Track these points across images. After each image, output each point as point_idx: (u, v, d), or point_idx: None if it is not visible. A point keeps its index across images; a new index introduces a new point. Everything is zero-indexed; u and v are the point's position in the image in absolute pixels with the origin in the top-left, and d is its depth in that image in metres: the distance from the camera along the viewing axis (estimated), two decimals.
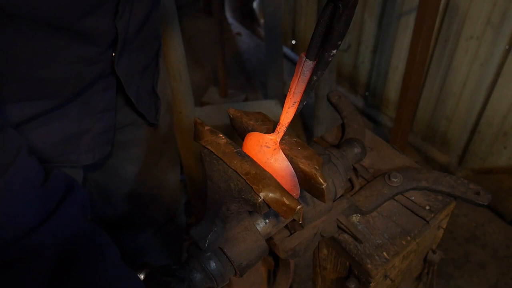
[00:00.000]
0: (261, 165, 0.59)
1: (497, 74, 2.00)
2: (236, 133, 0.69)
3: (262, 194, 0.54)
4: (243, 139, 0.67)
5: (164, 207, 1.34)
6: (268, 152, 0.61)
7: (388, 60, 2.51)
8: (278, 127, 0.61)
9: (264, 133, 0.63)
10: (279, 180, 0.58)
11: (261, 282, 1.00)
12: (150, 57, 1.02)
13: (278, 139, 0.61)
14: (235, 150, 0.59)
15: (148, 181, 1.22)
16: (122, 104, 1.00)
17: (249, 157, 0.59)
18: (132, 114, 1.05)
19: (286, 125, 0.60)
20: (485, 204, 0.78)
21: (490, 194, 0.79)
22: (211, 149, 0.60)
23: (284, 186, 0.57)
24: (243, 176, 0.56)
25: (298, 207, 0.53)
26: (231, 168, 0.57)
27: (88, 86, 0.84)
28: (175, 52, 1.61)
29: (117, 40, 0.81)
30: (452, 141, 2.36)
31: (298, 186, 0.61)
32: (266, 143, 0.62)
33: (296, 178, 0.61)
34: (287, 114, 0.59)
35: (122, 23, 0.79)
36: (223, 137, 0.62)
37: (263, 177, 0.56)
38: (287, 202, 0.54)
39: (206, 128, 0.63)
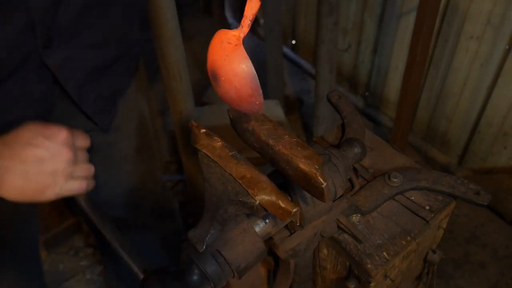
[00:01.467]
0: (219, 65, 0.55)
1: (497, 74, 2.00)
2: (237, 133, 0.69)
3: (258, 198, 0.54)
4: (243, 140, 0.67)
5: (145, 212, 1.33)
6: (229, 48, 0.55)
7: (388, 60, 2.51)
8: (242, 21, 0.55)
9: (265, 133, 0.63)
10: (237, 82, 0.54)
11: (260, 283, 1.00)
12: (108, 61, 0.99)
13: (242, 35, 0.55)
14: (230, 153, 0.59)
15: (122, 189, 1.21)
16: (75, 111, 0.98)
17: (245, 159, 0.59)
18: (88, 123, 1.02)
19: (251, 17, 0.54)
20: (485, 204, 0.78)
21: (490, 194, 0.79)
22: (207, 153, 0.60)
23: (243, 90, 0.54)
24: (238, 180, 0.56)
25: (294, 210, 0.53)
26: (227, 172, 0.58)
27: (13, 74, 0.82)
28: (175, 52, 1.61)
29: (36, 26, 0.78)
30: (452, 141, 2.36)
31: (260, 91, 0.56)
32: (229, 39, 0.55)
33: (257, 81, 0.56)
34: (251, 4, 0.54)
35: (36, 1, 0.76)
36: (218, 140, 0.62)
37: (259, 180, 0.56)
38: (283, 205, 0.54)
39: (202, 131, 0.63)
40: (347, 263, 0.80)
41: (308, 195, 0.68)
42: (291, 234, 0.75)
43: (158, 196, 1.36)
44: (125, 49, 1.02)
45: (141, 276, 0.68)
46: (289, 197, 0.70)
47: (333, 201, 0.76)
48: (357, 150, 0.80)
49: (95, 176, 1.15)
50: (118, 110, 1.10)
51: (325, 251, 0.85)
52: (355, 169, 0.87)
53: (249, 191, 0.55)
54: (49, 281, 2.06)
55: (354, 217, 0.80)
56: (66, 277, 2.08)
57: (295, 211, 0.53)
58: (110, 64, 1.00)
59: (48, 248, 2.16)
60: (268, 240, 0.75)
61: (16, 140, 0.72)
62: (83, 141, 0.84)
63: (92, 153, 1.09)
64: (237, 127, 0.68)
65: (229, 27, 3.65)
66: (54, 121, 0.96)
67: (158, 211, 1.37)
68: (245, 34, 0.55)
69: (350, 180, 0.84)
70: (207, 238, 0.62)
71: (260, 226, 0.70)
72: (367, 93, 2.81)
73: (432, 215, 0.80)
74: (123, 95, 1.11)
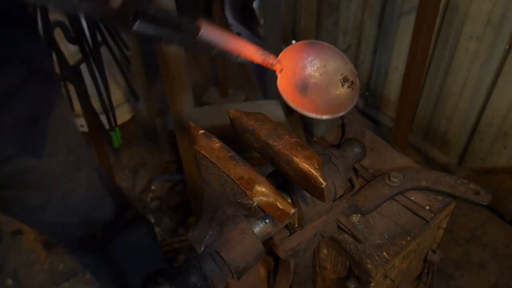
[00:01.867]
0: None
1: (497, 74, 2.00)
2: (236, 133, 0.69)
3: (256, 199, 0.54)
4: (243, 140, 0.67)
5: (99, 226, 1.29)
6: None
7: (388, 60, 2.51)
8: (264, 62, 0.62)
9: (265, 133, 0.63)
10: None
11: (260, 284, 1.00)
12: (16, 82, 0.91)
13: (272, 64, 0.62)
14: (228, 154, 0.59)
15: (66, 209, 1.19)
16: None
17: (243, 161, 0.59)
18: (12, 149, 0.96)
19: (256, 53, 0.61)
20: (485, 204, 0.78)
21: (490, 194, 0.79)
22: (205, 154, 0.60)
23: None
24: (236, 181, 0.56)
25: (292, 211, 0.53)
26: (225, 173, 0.57)
27: None
28: (175, 52, 1.61)
29: None
30: (452, 141, 2.36)
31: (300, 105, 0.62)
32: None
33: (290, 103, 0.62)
34: (245, 50, 0.59)
35: None
36: (217, 141, 0.62)
37: (257, 181, 0.56)
38: (281, 206, 0.54)
39: (200, 132, 0.63)
40: (347, 263, 0.80)
41: (308, 195, 0.68)
42: (291, 234, 0.75)
43: (111, 208, 1.32)
44: (32, 67, 0.95)
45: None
46: (287, 199, 0.70)
47: (333, 201, 0.76)
48: (357, 150, 0.80)
49: (33, 201, 1.10)
50: (48, 132, 1.04)
51: (325, 251, 0.85)
52: (355, 169, 0.87)
53: (247, 192, 0.55)
54: (49, 281, 2.06)
55: (354, 217, 0.80)
56: (66, 277, 2.08)
57: (293, 213, 0.53)
58: (20, 85, 0.92)
59: (48, 248, 2.17)
60: (268, 240, 0.75)
61: None
62: None
63: (25, 178, 1.04)
64: (237, 127, 0.68)
65: (229, 27, 3.65)
66: None
67: (116, 221, 1.34)
68: (274, 60, 0.62)
69: (350, 180, 0.84)
70: (205, 239, 0.62)
71: (260, 226, 0.70)
72: (367, 93, 2.81)
73: (432, 215, 0.80)
74: (47, 118, 1.03)
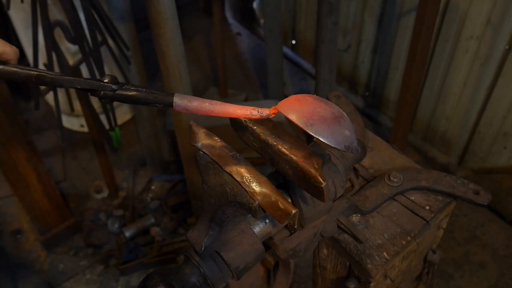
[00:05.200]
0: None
1: (497, 74, 2.00)
2: (236, 133, 0.69)
3: (257, 199, 0.54)
4: (243, 140, 0.67)
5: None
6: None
7: (388, 60, 2.51)
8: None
9: (264, 133, 0.63)
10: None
11: (260, 283, 1.00)
12: None
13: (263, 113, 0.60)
14: (230, 154, 0.59)
15: None
16: None
17: (244, 160, 0.59)
18: None
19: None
20: (485, 204, 0.78)
21: (490, 194, 0.79)
22: (206, 152, 0.60)
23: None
24: (237, 180, 0.56)
25: (293, 211, 0.53)
26: (226, 172, 0.57)
27: None
28: (175, 52, 1.61)
29: None
30: (452, 141, 2.36)
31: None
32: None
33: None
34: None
35: None
36: (218, 140, 0.62)
37: (258, 181, 0.55)
38: (282, 206, 0.54)
39: (202, 130, 0.63)
40: (347, 263, 0.80)
41: (308, 195, 0.68)
42: (291, 234, 0.75)
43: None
44: None
45: None
46: (287, 199, 0.70)
47: (333, 201, 0.76)
48: None
49: None
50: None
51: (325, 251, 0.85)
52: (355, 169, 0.87)
53: (248, 191, 0.55)
54: (49, 281, 2.06)
55: (354, 217, 0.80)
56: (66, 277, 2.08)
57: (294, 213, 0.53)
58: None
59: (48, 248, 2.17)
60: (268, 240, 0.74)
61: None
62: None
63: None
64: (237, 127, 0.68)
65: (229, 27, 3.65)
66: None
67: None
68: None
69: (350, 180, 0.84)
70: (205, 239, 0.62)
71: (260, 226, 0.70)
72: (367, 93, 2.81)
73: (432, 215, 0.80)
74: None
